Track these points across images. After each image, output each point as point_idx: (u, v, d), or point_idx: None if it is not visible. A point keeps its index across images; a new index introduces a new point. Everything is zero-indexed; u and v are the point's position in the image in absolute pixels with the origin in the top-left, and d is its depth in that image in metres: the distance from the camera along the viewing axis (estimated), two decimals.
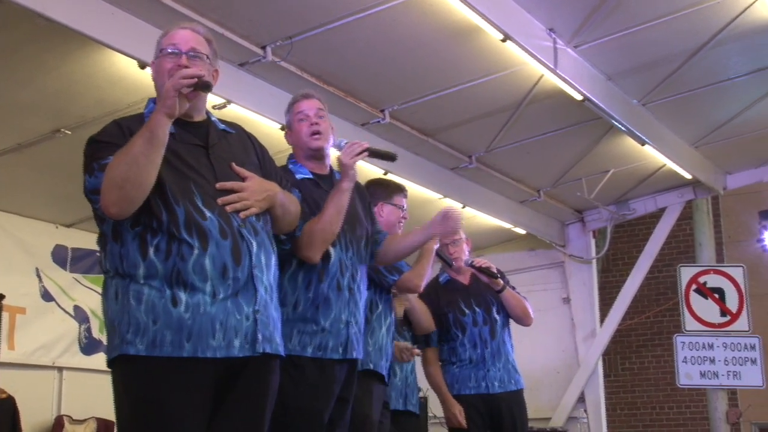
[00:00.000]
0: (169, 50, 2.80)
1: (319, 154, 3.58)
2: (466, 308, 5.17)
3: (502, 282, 5.20)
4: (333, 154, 3.66)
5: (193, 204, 2.64)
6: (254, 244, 2.71)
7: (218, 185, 2.71)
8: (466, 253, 5.25)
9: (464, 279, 5.27)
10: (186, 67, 2.73)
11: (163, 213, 2.60)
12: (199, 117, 2.85)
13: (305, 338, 3.36)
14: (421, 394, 6.06)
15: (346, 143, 3.49)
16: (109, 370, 2.68)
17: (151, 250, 2.60)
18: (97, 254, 2.79)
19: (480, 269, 5.14)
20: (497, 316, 5.20)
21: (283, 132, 3.73)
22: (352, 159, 3.41)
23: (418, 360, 5.17)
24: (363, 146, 3.44)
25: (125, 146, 2.58)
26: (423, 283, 4.28)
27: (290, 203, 2.99)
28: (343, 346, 3.42)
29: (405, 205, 4.58)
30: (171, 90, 2.59)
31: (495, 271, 5.18)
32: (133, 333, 2.56)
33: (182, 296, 2.57)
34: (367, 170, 6.48)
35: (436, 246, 4.43)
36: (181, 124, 2.75)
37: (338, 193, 3.40)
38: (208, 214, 2.64)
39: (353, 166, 3.42)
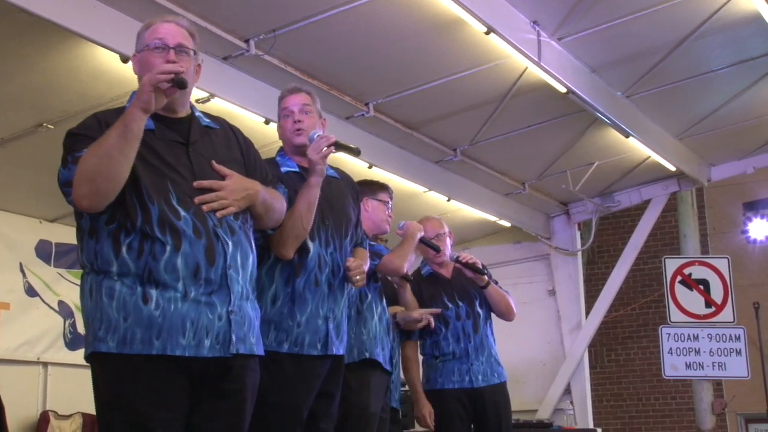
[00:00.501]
0: (156, 45, 2.77)
1: (302, 150, 3.55)
2: (449, 302, 5.18)
3: (487, 278, 5.20)
4: None
5: (168, 203, 2.62)
6: (230, 244, 2.69)
7: (195, 184, 2.70)
8: (449, 247, 5.26)
9: (446, 272, 5.28)
10: (174, 62, 2.72)
11: (137, 211, 2.60)
12: (182, 112, 2.83)
13: (281, 335, 3.35)
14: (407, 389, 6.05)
15: (318, 136, 3.47)
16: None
17: (124, 249, 2.59)
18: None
19: (466, 265, 5.13)
20: (480, 310, 5.22)
21: (274, 124, 3.75)
22: (318, 155, 3.37)
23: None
24: (330, 140, 3.40)
25: (99, 139, 2.57)
26: (406, 265, 4.29)
27: (274, 200, 2.96)
28: (322, 342, 3.41)
29: (390, 203, 4.60)
30: (147, 84, 2.58)
31: (481, 266, 5.19)
32: (104, 330, 2.57)
33: (153, 294, 2.57)
34: (353, 164, 6.49)
35: (420, 233, 4.43)
36: (162, 120, 2.74)
37: (307, 188, 3.37)
38: (182, 213, 2.63)
39: (320, 161, 3.38)
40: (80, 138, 2.65)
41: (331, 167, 3.62)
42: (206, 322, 2.61)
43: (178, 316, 2.57)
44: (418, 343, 5.25)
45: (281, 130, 3.66)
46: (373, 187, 4.57)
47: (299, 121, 3.57)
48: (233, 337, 2.65)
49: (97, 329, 2.58)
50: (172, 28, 2.82)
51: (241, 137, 3.01)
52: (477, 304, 5.21)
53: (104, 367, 2.60)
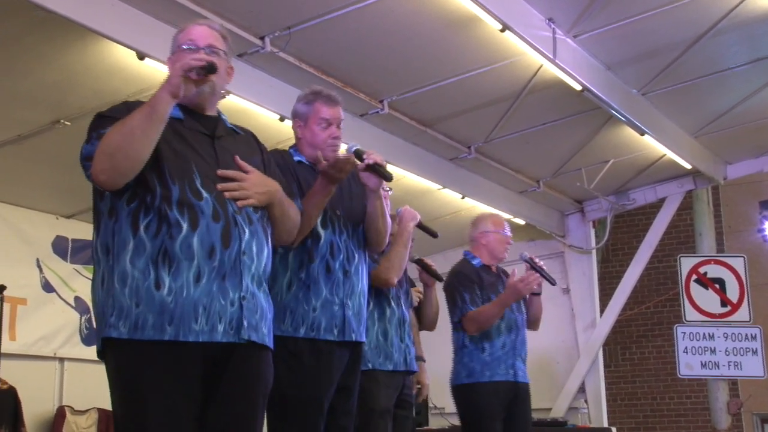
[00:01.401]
0: (187, 46, 2.83)
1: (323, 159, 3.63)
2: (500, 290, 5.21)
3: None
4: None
5: (191, 183, 2.67)
6: (247, 231, 2.72)
7: (219, 173, 2.74)
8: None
9: (493, 269, 5.31)
10: (196, 58, 2.74)
11: (157, 188, 2.63)
12: (210, 112, 2.90)
13: (297, 318, 3.37)
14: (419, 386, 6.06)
15: (355, 149, 3.47)
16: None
17: (142, 227, 2.62)
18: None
19: (535, 267, 5.16)
20: (523, 309, 5.28)
21: (289, 121, 3.72)
22: (338, 174, 3.36)
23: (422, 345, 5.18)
24: (372, 158, 3.42)
25: (125, 118, 2.62)
26: (396, 276, 4.11)
27: (291, 207, 2.99)
28: (339, 328, 3.41)
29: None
30: (178, 69, 2.63)
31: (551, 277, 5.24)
32: (116, 316, 2.58)
33: (166, 279, 2.59)
34: None
35: (414, 222, 4.29)
36: (191, 113, 2.81)
37: (323, 193, 3.38)
38: (205, 194, 2.67)
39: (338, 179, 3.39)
40: (107, 119, 2.69)
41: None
42: (218, 307, 2.63)
43: (191, 302, 2.59)
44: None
45: (310, 134, 3.60)
46: None
47: (337, 138, 3.59)
48: (245, 323, 2.68)
49: (109, 316, 2.59)
50: (203, 31, 2.89)
51: (264, 151, 3.07)
52: (522, 303, 5.27)
53: (116, 353, 2.61)
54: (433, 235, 4.72)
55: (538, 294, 5.30)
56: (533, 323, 5.38)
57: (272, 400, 2.89)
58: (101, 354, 2.68)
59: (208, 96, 2.84)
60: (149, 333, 2.56)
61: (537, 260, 5.20)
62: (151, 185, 2.63)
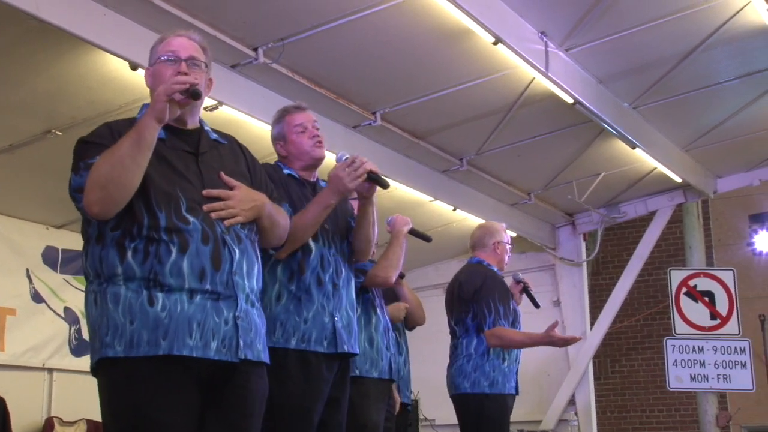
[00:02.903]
0: (167, 57, 2.80)
1: (319, 164, 3.65)
2: (514, 303, 5.26)
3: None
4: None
5: (177, 210, 2.63)
6: (237, 251, 2.69)
7: (204, 192, 2.71)
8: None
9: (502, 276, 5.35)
10: (185, 73, 2.74)
11: (144, 217, 2.61)
12: (192, 125, 2.85)
13: (288, 330, 3.37)
14: (412, 396, 6.06)
15: (346, 158, 3.47)
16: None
17: (129, 253, 2.60)
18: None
19: (527, 291, 5.35)
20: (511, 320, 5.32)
21: (272, 143, 3.74)
22: (354, 182, 3.36)
23: (411, 354, 5.18)
24: (366, 167, 3.38)
25: (112, 147, 2.58)
26: (395, 274, 4.17)
27: (279, 215, 2.97)
28: (329, 340, 3.41)
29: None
30: (162, 95, 2.60)
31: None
32: (111, 335, 2.56)
33: (159, 296, 2.57)
34: None
35: (408, 227, 4.34)
36: (173, 130, 2.77)
37: (323, 206, 3.39)
38: (191, 219, 2.64)
39: (353, 187, 3.38)
40: (92, 146, 2.65)
41: (324, 181, 3.63)
42: (212, 324, 2.61)
43: (185, 317, 2.57)
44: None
45: (295, 145, 3.65)
46: None
47: (317, 136, 3.65)
48: (241, 342, 2.66)
49: (104, 335, 2.57)
50: (184, 42, 2.85)
51: (248, 153, 3.03)
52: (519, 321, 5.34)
53: (112, 372, 2.59)
54: (427, 239, 4.70)
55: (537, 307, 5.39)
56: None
57: (268, 411, 2.87)
58: (94, 371, 2.65)
59: (189, 110, 2.80)
60: (144, 349, 2.54)
61: (527, 281, 5.35)
62: (137, 213, 2.61)
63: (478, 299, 5.03)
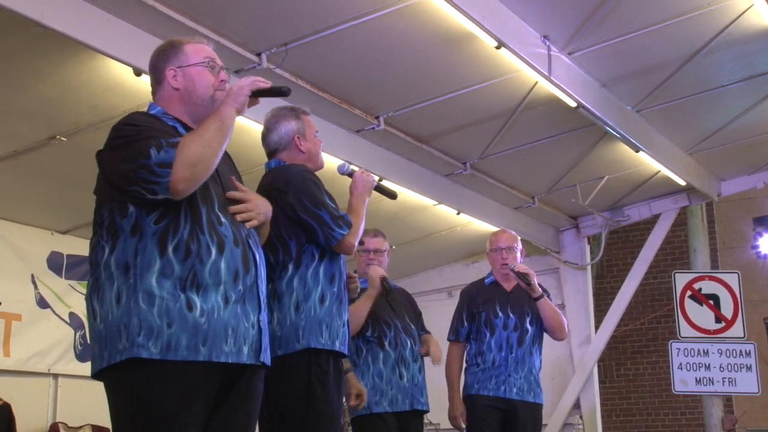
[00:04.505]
0: (209, 63, 2.87)
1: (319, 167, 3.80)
2: (500, 311, 5.28)
3: (540, 290, 5.32)
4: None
5: (212, 208, 2.70)
6: (258, 255, 2.77)
7: (229, 194, 2.79)
8: (519, 260, 5.36)
9: (508, 286, 5.39)
10: (225, 81, 2.88)
11: (188, 210, 2.64)
12: None
13: (333, 333, 3.45)
14: None
15: (351, 168, 3.72)
16: (104, 374, 2.65)
17: (170, 248, 2.60)
18: (91, 250, 2.72)
19: (518, 274, 5.23)
20: (530, 327, 5.30)
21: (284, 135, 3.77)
22: (366, 192, 3.62)
23: (426, 361, 5.20)
24: (370, 178, 3.71)
25: (198, 129, 2.68)
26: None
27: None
28: (346, 341, 3.56)
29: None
30: (247, 88, 2.76)
31: (532, 280, 5.29)
32: (145, 336, 2.54)
33: (196, 300, 2.58)
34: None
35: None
36: (189, 131, 2.82)
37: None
38: (223, 219, 2.70)
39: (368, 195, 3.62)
40: (146, 129, 2.68)
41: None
42: (243, 330, 2.67)
43: (222, 323, 2.61)
44: (465, 346, 5.35)
45: (313, 146, 3.75)
46: None
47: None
48: (263, 345, 2.73)
49: (136, 335, 2.53)
50: (213, 51, 2.96)
51: (235, 167, 3.10)
52: (528, 320, 5.32)
53: (143, 373, 2.56)
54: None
55: (538, 298, 5.32)
56: (556, 330, 5.43)
57: (303, 417, 3.06)
58: (111, 368, 2.60)
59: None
60: (182, 353, 2.55)
61: (518, 267, 5.31)
62: (182, 207, 2.63)
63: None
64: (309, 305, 3.38)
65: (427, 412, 4.97)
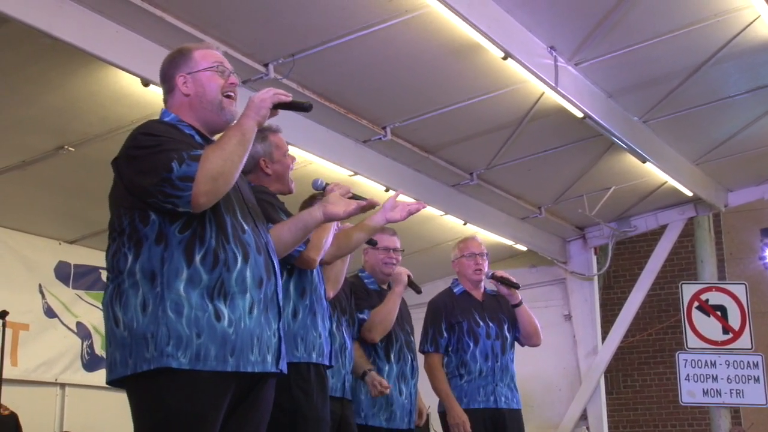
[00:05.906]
0: (218, 67, 2.86)
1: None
2: (480, 320, 5.22)
3: (519, 296, 5.26)
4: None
5: (235, 216, 2.71)
6: (276, 263, 2.79)
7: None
8: (486, 266, 5.33)
9: (478, 294, 5.33)
10: (235, 84, 2.86)
11: (213, 222, 2.65)
12: (217, 137, 2.90)
13: (309, 345, 3.46)
14: (426, 410, 6.04)
15: (324, 182, 3.52)
16: (120, 384, 2.62)
17: (198, 258, 2.60)
18: (111, 257, 2.67)
19: (501, 279, 5.19)
20: (507, 334, 5.27)
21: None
22: (348, 211, 3.29)
23: (420, 376, 5.18)
24: (347, 192, 3.35)
25: (219, 142, 2.67)
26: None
27: None
28: (327, 354, 3.56)
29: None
30: (269, 101, 2.74)
31: (515, 281, 5.23)
32: (174, 346, 2.53)
33: (224, 311, 2.59)
34: (368, 187, 6.52)
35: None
36: (206, 140, 2.83)
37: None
38: (246, 227, 2.72)
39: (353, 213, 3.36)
40: (165, 140, 2.65)
41: None
42: (266, 338, 2.68)
43: (248, 333, 2.62)
44: (444, 358, 5.24)
45: (280, 167, 3.67)
46: None
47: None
48: (282, 353, 2.75)
49: (164, 345, 2.52)
50: (222, 55, 2.94)
51: None
52: (506, 327, 5.27)
53: (171, 383, 2.54)
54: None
55: (518, 305, 5.27)
56: (532, 336, 5.32)
57: (292, 424, 3.04)
58: (135, 378, 2.57)
59: (225, 126, 2.84)
60: (211, 363, 2.55)
61: (498, 273, 5.26)
62: (206, 215, 2.64)
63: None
64: (282, 321, 3.37)
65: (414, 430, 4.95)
